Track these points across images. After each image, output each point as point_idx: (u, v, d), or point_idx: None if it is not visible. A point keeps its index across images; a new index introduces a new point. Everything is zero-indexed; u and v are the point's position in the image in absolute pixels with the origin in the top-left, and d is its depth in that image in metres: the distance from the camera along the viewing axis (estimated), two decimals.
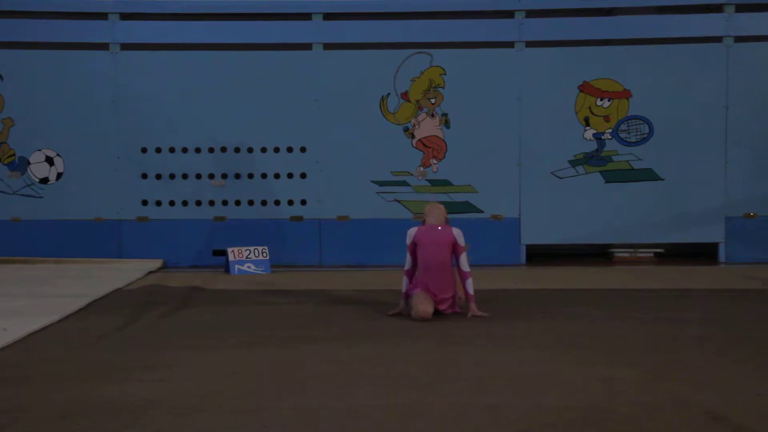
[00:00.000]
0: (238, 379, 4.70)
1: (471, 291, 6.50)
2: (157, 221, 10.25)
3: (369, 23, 10.24)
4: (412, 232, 6.57)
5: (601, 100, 10.16)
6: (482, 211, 10.21)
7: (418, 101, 10.18)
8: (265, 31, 10.25)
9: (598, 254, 10.63)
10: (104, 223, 10.23)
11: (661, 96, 10.13)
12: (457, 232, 6.50)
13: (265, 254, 9.59)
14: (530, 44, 10.20)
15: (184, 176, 10.25)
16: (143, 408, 4.12)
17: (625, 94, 10.17)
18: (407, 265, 6.57)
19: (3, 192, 10.23)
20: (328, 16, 10.25)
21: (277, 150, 10.23)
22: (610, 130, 10.19)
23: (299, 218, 10.27)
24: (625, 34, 10.23)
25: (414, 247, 6.53)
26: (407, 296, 6.59)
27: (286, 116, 10.16)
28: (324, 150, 10.21)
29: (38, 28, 10.20)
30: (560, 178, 10.21)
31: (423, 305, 6.37)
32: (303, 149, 10.23)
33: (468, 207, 10.18)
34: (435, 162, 10.21)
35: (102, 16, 10.21)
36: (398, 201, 10.22)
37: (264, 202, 10.28)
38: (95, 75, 10.15)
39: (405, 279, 6.58)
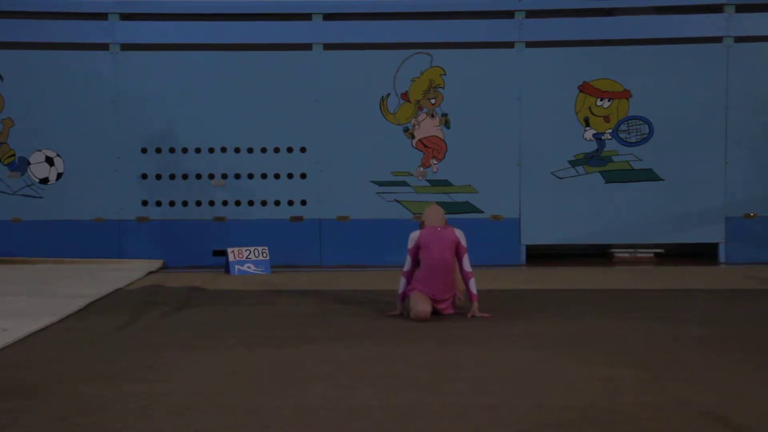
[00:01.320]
0: (238, 379, 4.70)
1: (474, 291, 6.50)
2: (157, 221, 10.25)
3: (369, 23, 10.24)
4: (415, 235, 6.52)
5: (601, 100, 10.16)
6: (482, 212, 10.21)
7: (418, 101, 10.18)
8: (265, 31, 10.26)
9: (598, 254, 10.63)
10: (104, 223, 10.23)
11: (661, 96, 10.13)
12: (459, 234, 6.50)
13: (265, 254, 9.59)
14: (530, 44, 10.20)
15: (184, 176, 10.25)
16: (143, 408, 4.12)
17: (625, 94, 10.17)
18: (406, 267, 6.55)
19: (3, 192, 10.23)
20: (328, 17, 10.25)
21: (277, 150, 10.23)
22: (610, 131, 10.19)
23: (299, 218, 10.27)
24: (625, 34, 10.23)
25: (416, 251, 6.51)
26: (404, 297, 6.58)
27: (286, 116, 10.17)
28: (324, 150, 10.21)
29: (38, 28, 10.20)
30: (560, 178, 10.21)
31: (421, 306, 6.36)
32: (303, 149, 10.23)
33: (468, 207, 10.18)
34: (435, 162, 10.21)
35: (102, 16, 10.21)
36: (398, 201, 10.22)
37: (264, 203, 10.28)
38: (95, 75, 10.15)
39: (403, 280, 6.56)
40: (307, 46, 10.24)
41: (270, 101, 10.16)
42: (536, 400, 4.20)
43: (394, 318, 6.50)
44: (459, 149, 10.19)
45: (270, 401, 4.25)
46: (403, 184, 10.22)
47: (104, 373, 4.82)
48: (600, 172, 10.22)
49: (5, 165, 10.22)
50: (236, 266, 9.42)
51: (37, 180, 10.23)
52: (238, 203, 10.29)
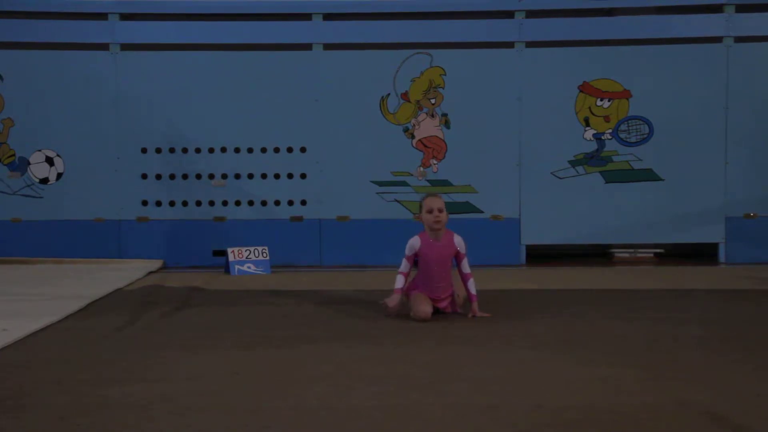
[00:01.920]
0: (239, 379, 4.70)
1: (474, 291, 6.50)
2: (157, 221, 10.26)
3: (369, 23, 10.25)
4: (415, 244, 6.41)
5: (601, 100, 10.17)
6: (482, 212, 10.21)
7: (418, 101, 10.18)
8: (265, 31, 10.26)
9: (598, 254, 10.63)
10: (104, 223, 10.24)
11: (661, 96, 10.14)
12: (459, 243, 6.44)
13: (265, 254, 9.59)
14: (530, 44, 10.21)
15: (184, 176, 10.26)
16: (143, 408, 4.12)
17: (625, 94, 10.17)
18: (404, 268, 6.46)
19: (3, 192, 10.24)
20: (328, 16, 10.26)
21: (277, 150, 10.24)
22: (610, 131, 10.19)
23: (299, 218, 10.28)
24: (625, 34, 10.24)
25: (414, 257, 6.47)
26: (402, 292, 6.46)
27: (286, 116, 10.18)
28: (324, 150, 10.21)
29: (38, 28, 10.20)
30: (560, 178, 10.22)
31: (423, 307, 6.36)
32: (303, 149, 10.24)
33: (468, 207, 10.19)
34: (435, 162, 10.22)
35: (102, 16, 10.22)
36: (398, 201, 10.23)
37: (264, 203, 10.29)
38: (95, 75, 10.16)
39: (400, 278, 6.46)
40: (307, 46, 10.24)
41: (270, 101, 10.17)
42: (536, 400, 4.19)
43: (394, 318, 6.49)
44: (459, 149, 10.19)
45: (270, 401, 4.25)
46: (403, 184, 10.23)
47: (104, 373, 4.82)
48: (600, 172, 10.23)
49: (5, 165, 10.23)
50: (236, 266, 9.43)
51: (37, 180, 10.24)
52: (238, 203, 10.29)
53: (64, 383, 4.61)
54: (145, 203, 10.25)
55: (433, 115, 10.20)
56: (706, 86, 10.11)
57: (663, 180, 10.19)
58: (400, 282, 6.50)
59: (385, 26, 10.24)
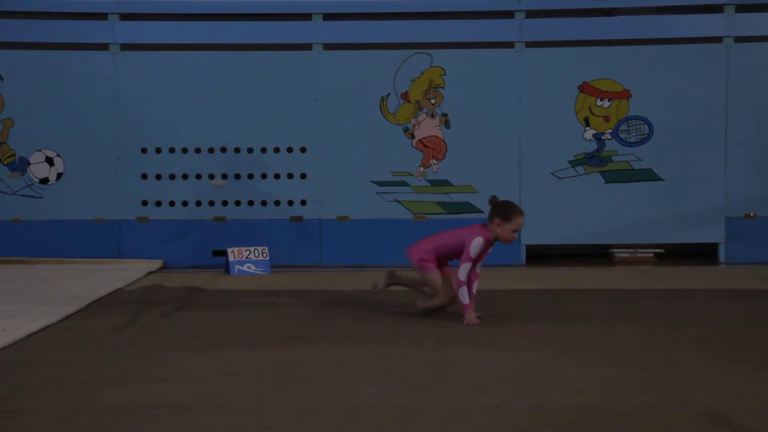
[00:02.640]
0: (239, 379, 4.70)
1: (474, 291, 6.50)
2: (157, 221, 10.25)
3: (369, 23, 10.25)
4: (480, 244, 6.30)
5: (601, 100, 10.17)
6: (482, 212, 10.15)
7: (418, 101, 10.18)
8: (265, 31, 10.26)
9: (598, 254, 10.63)
10: (104, 224, 10.24)
11: (661, 96, 10.14)
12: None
13: (265, 254, 9.59)
14: (530, 44, 10.21)
15: (184, 176, 10.25)
16: (143, 408, 4.12)
17: (625, 94, 10.17)
18: (466, 274, 6.25)
19: (3, 192, 10.24)
20: (328, 16, 10.26)
21: (277, 150, 10.24)
22: (610, 131, 10.19)
23: (299, 218, 10.28)
24: (625, 34, 10.23)
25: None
26: (470, 308, 6.27)
27: (286, 116, 10.17)
28: (324, 150, 10.21)
29: (38, 28, 10.20)
30: (560, 178, 10.22)
31: (447, 293, 6.39)
32: (303, 149, 10.24)
33: (468, 207, 10.18)
34: (435, 162, 10.22)
35: (102, 16, 10.22)
36: (398, 201, 10.22)
37: (264, 203, 10.29)
38: (95, 75, 10.15)
39: (464, 290, 6.24)
40: (307, 46, 10.24)
41: (270, 101, 10.17)
42: (536, 400, 4.19)
43: (393, 318, 6.50)
44: (459, 149, 10.19)
45: (270, 401, 4.25)
46: (403, 184, 10.23)
47: (104, 373, 4.82)
48: (600, 172, 10.22)
49: (5, 165, 10.23)
50: (236, 266, 9.43)
51: (37, 180, 10.24)
52: (238, 203, 10.29)
53: (64, 383, 4.61)
54: (145, 203, 10.25)
55: (433, 115, 10.20)
56: (706, 86, 10.11)
57: (663, 180, 10.19)
58: (467, 296, 6.25)
59: (385, 26, 10.24)
